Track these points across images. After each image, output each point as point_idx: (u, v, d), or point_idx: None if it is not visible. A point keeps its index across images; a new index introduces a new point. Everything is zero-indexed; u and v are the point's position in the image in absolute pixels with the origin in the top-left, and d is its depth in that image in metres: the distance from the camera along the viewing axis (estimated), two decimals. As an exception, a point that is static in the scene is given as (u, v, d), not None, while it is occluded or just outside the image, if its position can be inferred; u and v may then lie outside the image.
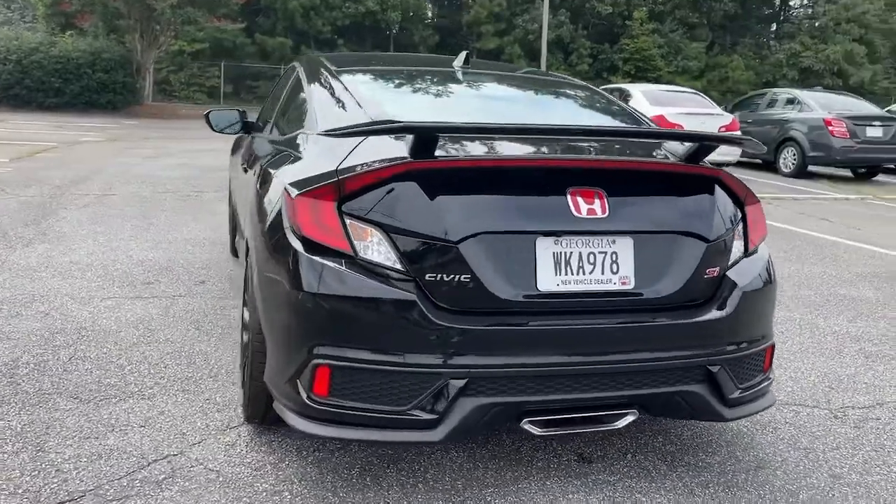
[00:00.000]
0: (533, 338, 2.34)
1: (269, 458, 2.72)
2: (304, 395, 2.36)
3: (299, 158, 2.76)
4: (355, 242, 2.33)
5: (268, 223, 2.65)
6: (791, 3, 46.59)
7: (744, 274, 2.64)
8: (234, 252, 5.54)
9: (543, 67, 28.80)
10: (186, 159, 11.99)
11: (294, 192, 2.45)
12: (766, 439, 3.08)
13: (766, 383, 2.74)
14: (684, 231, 2.51)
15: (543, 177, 2.43)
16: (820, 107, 13.77)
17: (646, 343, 2.43)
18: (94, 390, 3.20)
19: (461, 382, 2.27)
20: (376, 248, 2.32)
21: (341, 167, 2.44)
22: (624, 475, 2.74)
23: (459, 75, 3.51)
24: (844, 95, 15.93)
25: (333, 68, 3.36)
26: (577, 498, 2.58)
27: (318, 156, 2.64)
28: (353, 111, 2.87)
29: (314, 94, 3.15)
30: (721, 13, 39.96)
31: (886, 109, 15.28)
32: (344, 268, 2.32)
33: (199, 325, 4.11)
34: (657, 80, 32.62)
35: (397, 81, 3.45)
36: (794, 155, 13.53)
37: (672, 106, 13.04)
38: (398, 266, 2.31)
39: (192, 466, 2.64)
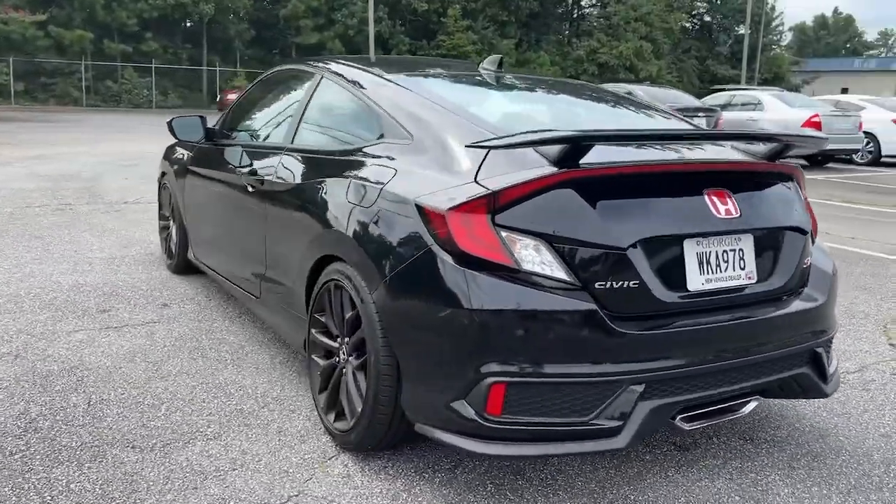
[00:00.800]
0: (692, 337, 2.41)
1: (397, 485, 2.59)
2: (474, 416, 2.27)
3: (412, 171, 2.61)
4: (515, 254, 2.28)
5: (393, 239, 2.51)
6: (582, 3, 50.19)
7: (823, 261, 2.89)
8: (180, 269, 5.11)
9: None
10: (26, 168, 10.76)
11: (440, 206, 2.35)
12: (807, 410, 3.38)
13: (836, 360, 3.02)
14: (789, 226, 2.70)
15: (684, 180, 2.52)
16: (652, 100, 14.98)
17: (774, 333, 2.60)
18: (146, 436, 2.85)
19: (640, 387, 2.30)
20: (539, 260, 2.28)
21: (482, 179, 2.38)
22: (725, 458, 2.90)
23: (515, 81, 3.49)
24: (666, 89, 17.47)
25: (386, 74, 3.21)
26: (704, 485, 2.70)
27: (442, 168, 2.53)
28: (446, 120, 2.77)
29: (384, 103, 2.97)
30: (526, 11, 42.18)
31: (701, 101, 16.90)
32: (510, 281, 2.26)
33: (202, 352, 3.76)
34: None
35: (459, 87, 3.36)
36: (634, 145, 14.61)
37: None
38: (564, 276, 2.28)
39: (326, 506, 2.45)
